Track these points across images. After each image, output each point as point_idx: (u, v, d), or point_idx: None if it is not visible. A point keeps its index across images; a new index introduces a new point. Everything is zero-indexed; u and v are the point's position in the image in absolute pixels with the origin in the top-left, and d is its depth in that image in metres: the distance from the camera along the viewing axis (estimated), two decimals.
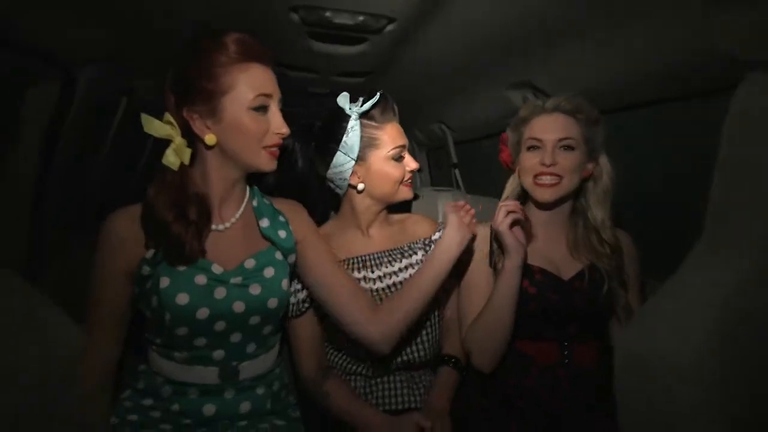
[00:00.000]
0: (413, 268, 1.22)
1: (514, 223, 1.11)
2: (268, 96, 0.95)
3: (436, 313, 1.23)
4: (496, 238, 1.17)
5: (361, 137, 1.16)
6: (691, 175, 1.34)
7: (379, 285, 1.18)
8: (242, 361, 1.00)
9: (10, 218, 1.42)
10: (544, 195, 1.16)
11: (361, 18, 1.09)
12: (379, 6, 1.05)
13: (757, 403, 0.57)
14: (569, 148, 1.14)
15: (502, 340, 1.12)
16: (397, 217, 1.34)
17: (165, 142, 0.95)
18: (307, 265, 1.07)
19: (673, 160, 1.49)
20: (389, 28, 1.15)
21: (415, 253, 1.25)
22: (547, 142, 1.14)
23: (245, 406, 0.99)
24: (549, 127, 1.16)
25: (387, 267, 1.21)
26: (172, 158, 0.93)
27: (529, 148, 1.18)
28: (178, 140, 0.93)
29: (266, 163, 0.97)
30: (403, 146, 1.19)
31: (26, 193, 1.44)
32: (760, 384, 0.57)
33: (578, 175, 1.16)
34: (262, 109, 0.95)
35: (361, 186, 1.19)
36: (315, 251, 1.08)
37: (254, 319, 0.98)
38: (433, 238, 1.28)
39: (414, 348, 1.19)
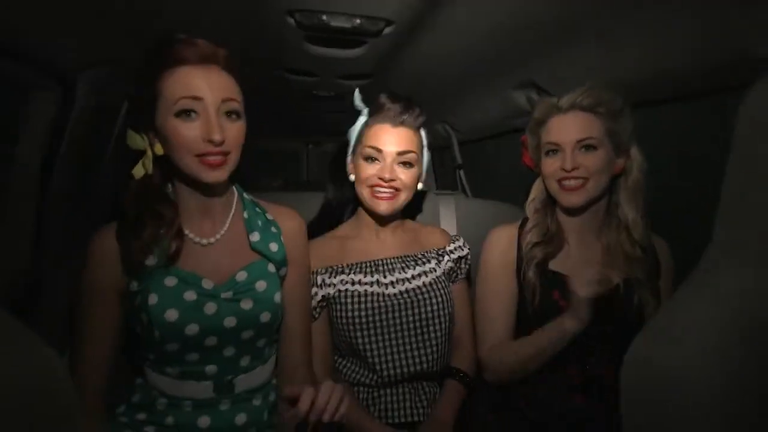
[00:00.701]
0: (426, 276, 1.21)
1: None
2: (195, 99, 0.86)
3: (447, 324, 1.20)
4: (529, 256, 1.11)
5: (358, 132, 1.21)
6: (697, 178, 1.31)
7: (391, 290, 1.18)
8: (237, 374, 0.98)
9: (13, 226, 1.43)
10: (571, 200, 1.08)
11: (358, 21, 1.08)
12: (376, 9, 1.03)
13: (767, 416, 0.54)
14: (591, 147, 1.05)
15: (536, 370, 1.07)
16: (411, 225, 1.34)
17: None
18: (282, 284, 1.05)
19: (679, 161, 1.45)
20: (387, 30, 1.13)
21: (429, 262, 1.24)
22: (566, 145, 1.06)
23: (241, 418, 0.98)
24: (565, 129, 1.07)
25: (400, 273, 1.20)
26: (139, 169, 0.93)
27: (547, 153, 1.11)
28: (149, 152, 0.92)
29: (203, 174, 0.89)
30: (377, 149, 1.16)
31: (30, 202, 1.44)
32: None
33: (606, 174, 1.07)
34: (187, 113, 0.87)
35: (351, 177, 1.23)
36: (292, 276, 1.07)
37: (247, 334, 0.97)
38: (447, 248, 1.27)
39: (421, 360, 1.17)
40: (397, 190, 1.16)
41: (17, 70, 1.26)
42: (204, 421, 0.95)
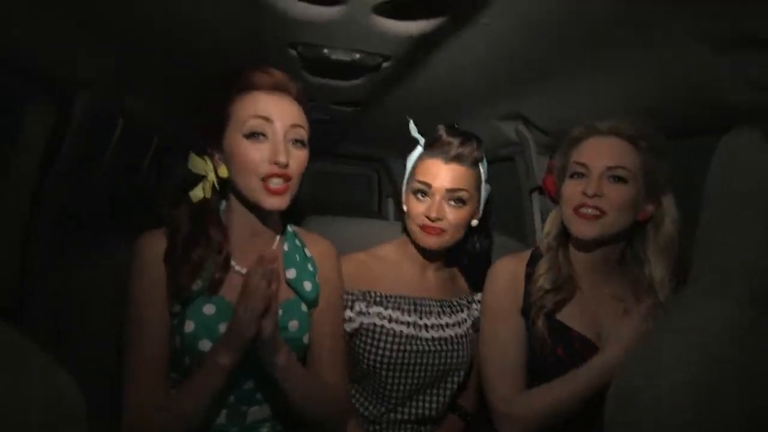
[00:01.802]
0: (459, 327, 1.18)
1: None
2: (266, 120, 0.89)
3: (465, 374, 1.20)
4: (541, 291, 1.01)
5: (412, 164, 1.19)
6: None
7: (425, 334, 1.14)
8: (251, 406, 0.98)
9: (3, 241, 1.43)
10: (582, 230, 0.96)
11: (357, 56, 1.12)
12: (375, 45, 1.08)
13: None
14: (621, 179, 0.95)
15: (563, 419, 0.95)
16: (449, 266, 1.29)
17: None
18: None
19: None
20: (385, 65, 1.18)
21: (461, 311, 1.21)
22: (594, 169, 0.96)
23: None
24: (599, 152, 0.97)
25: (437, 318, 1.17)
26: (198, 192, 0.95)
27: (572, 175, 1.00)
28: (211, 176, 0.95)
29: (265, 199, 0.90)
30: (427, 184, 1.12)
31: (22, 216, 1.44)
32: (751, 420, 0.58)
33: (628, 214, 0.96)
34: (258, 135, 0.89)
35: (405, 208, 1.19)
36: (325, 308, 1.05)
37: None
38: (476, 297, 1.23)
39: (435, 404, 1.18)
40: (442, 230, 1.11)
41: (16, 82, 1.28)
42: None
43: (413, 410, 1.16)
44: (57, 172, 1.50)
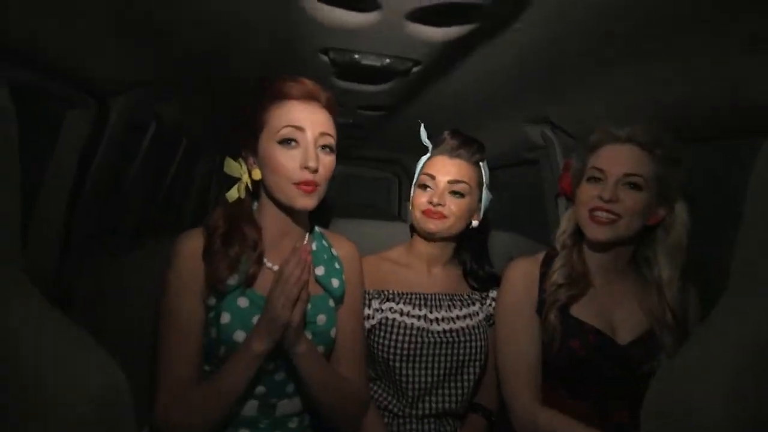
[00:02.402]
0: (470, 319, 1.23)
1: None
2: (299, 129, 0.95)
3: (481, 368, 1.23)
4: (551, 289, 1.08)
5: (420, 166, 1.29)
6: (711, 220, 1.33)
7: (436, 327, 1.20)
8: (281, 399, 1.02)
9: (41, 243, 1.48)
10: (596, 233, 1.02)
11: (387, 61, 1.14)
12: (406, 50, 1.09)
13: None
14: (635, 186, 1.00)
15: None
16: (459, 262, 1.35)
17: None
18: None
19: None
20: (415, 70, 1.20)
21: (473, 304, 1.26)
22: (610, 175, 1.01)
23: None
24: (616, 159, 1.02)
25: (446, 311, 1.23)
26: (234, 192, 1.02)
27: (589, 179, 1.05)
28: (245, 178, 1.02)
29: (297, 200, 0.96)
30: (431, 176, 1.22)
31: (60, 214, 1.50)
32: None
33: (641, 219, 1.01)
34: (290, 142, 0.95)
35: (410, 204, 1.28)
36: (347, 307, 1.10)
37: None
38: (491, 294, 1.29)
39: (452, 398, 1.20)
40: (443, 216, 1.19)
41: (57, 87, 1.34)
42: None
43: (433, 404, 1.19)
44: (93, 174, 1.55)
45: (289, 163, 0.95)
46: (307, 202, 0.97)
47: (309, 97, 0.99)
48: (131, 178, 1.95)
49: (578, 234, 1.11)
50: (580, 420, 1.02)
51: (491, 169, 1.32)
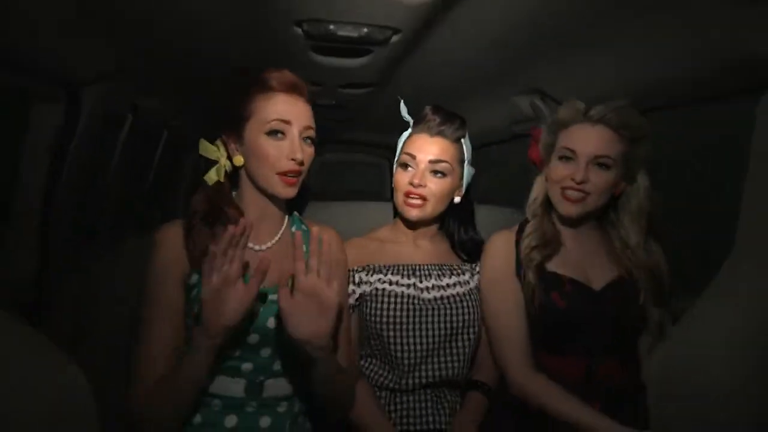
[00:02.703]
0: (461, 286, 1.22)
1: None
2: (286, 122, 1.00)
3: (475, 336, 1.21)
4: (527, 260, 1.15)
5: (401, 143, 1.27)
6: (710, 184, 1.30)
7: (426, 295, 1.19)
8: (268, 377, 1.02)
9: (20, 236, 1.43)
10: (568, 209, 1.11)
11: (365, 30, 1.08)
12: (384, 17, 1.04)
13: None
14: (604, 166, 1.08)
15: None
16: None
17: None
18: None
19: (691, 167, 1.46)
20: (394, 39, 1.14)
21: (463, 274, 1.25)
22: (581, 156, 1.08)
23: (265, 421, 1.01)
24: (587, 140, 1.08)
25: (436, 280, 1.22)
26: (213, 175, 1.05)
27: (561, 157, 1.12)
28: (223, 161, 1.05)
29: (280, 189, 1.01)
30: (412, 155, 1.20)
31: (36, 211, 1.45)
32: None
33: (608, 194, 1.11)
34: (277, 134, 0.99)
35: (393, 182, 1.26)
36: None
37: (284, 336, 0.99)
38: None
39: (447, 366, 1.18)
40: (424, 199, 1.19)
41: (25, 81, 1.27)
42: (230, 420, 0.99)
43: (429, 374, 1.17)
44: (68, 169, 1.49)
45: (276, 153, 0.99)
46: (289, 191, 1.02)
47: (294, 90, 1.02)
48: (111, 173, 1.89)
49: (548, 202, 1.18)
50: (568, 378, 1.08)
51: (484, 146, 1.30)
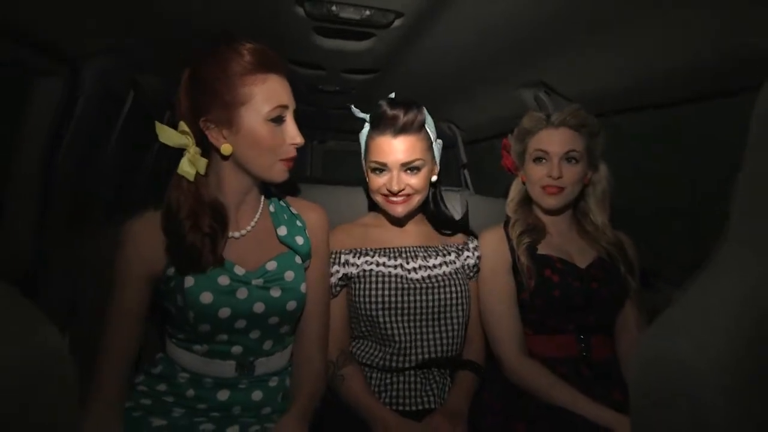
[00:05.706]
0: (447, 266, 1.23)
1: None
2: (285, 107, 0.96)
3: (464, 315, 1.22)
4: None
5: (364, 143, 1.23)
6: (707, 176, 1.30)
7: (414, 275, 1.20)
8: (258, 356, 1.03)
9: (15, 215, 1.43)
10: (550, 203, 1.25)
11: (367, 12, 1.07)
12: (386, 0, 1.02)
13: None
14: (574, 160, 1.23)
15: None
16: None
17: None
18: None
19: (684, 161, 1.46)
20: (397, 23, 1.12)
21: (449, 254, 1.26)
22: (554, 155, 1.23)
23: (257, 395, 1.02)
24: (556, 141, 1.23)
25: (423, 261, 1.23)
26: (187, 167, 0.94)
27: (535, 160, 1.26)
28: (193, 149, 0.94)
29: (279, 174, 0.98)
30: (382, 163, 1.16)
31: (32, 190, 1.44)
32: None
33: (580, 184, 1.26)
34: (279, 120, 0.95)
35: (368, 180, 1.24)
36: (315, 264, 1.11)
37: (273, 319, 1.01)
38: (469, 245, 1.30)
39: (437, 345, 1.19)
40: (408, 195, 1.19)
41: (24, 54, 1.26)
42: (223, 394, 1.00)
43: (419, 353, 1.17)
44: (67, 146, 1.48)
45: (277, 139, 0.95)
46: (286, 175, 0.99)
47: (281, 70, 0.97)
48: (110, 152, 1.88)
49: (525, 200, 1.34)
50: (561, 355, 1.19)
51: (487, 139, 1.28)
